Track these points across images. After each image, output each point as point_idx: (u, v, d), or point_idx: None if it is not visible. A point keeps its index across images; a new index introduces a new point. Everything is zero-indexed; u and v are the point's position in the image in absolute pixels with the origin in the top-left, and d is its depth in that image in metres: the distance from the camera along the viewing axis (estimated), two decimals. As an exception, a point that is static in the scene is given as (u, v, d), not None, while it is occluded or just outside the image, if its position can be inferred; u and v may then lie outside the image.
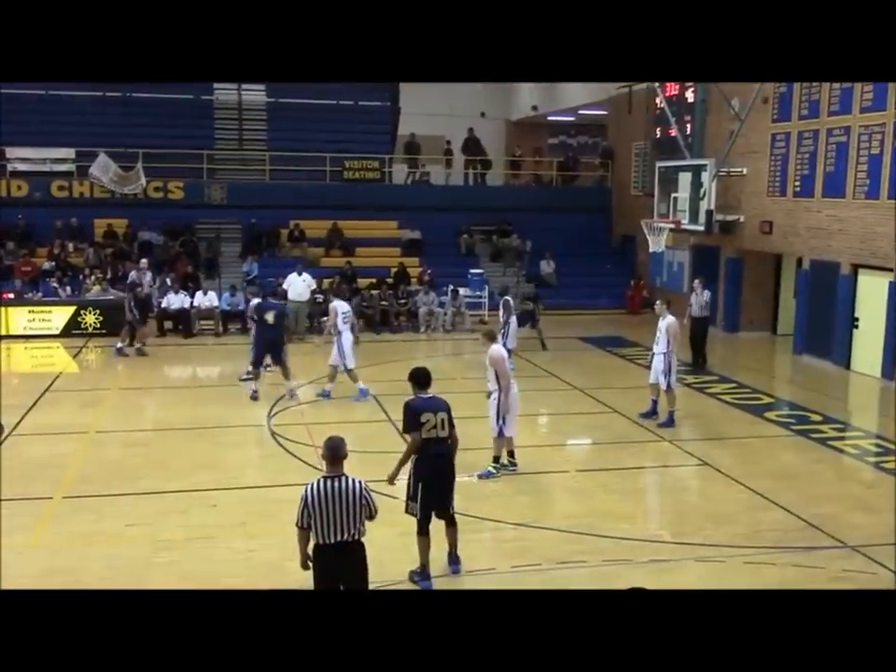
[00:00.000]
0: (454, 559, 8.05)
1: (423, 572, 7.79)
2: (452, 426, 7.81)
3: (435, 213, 25.94)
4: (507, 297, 16.76)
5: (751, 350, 19.93)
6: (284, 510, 9.46)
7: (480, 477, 10.47)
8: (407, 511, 7.84)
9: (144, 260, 19.68)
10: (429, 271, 23.55)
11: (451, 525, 8.00)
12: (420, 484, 7.70)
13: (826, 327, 17.91)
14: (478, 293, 23.40)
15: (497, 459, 10.82)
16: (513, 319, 16.55)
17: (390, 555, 8.42)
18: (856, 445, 12.67)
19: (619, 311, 24.41)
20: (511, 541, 8.88)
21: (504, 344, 14.44)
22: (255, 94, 28.63)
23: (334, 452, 6.11)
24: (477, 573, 7.91)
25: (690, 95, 22.00)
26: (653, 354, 13.20)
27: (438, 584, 7.79)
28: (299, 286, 20.32)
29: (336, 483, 6.03)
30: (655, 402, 13.27)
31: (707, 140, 21.63)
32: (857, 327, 17.36)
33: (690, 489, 11.04)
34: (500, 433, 10.70)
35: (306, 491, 6.06)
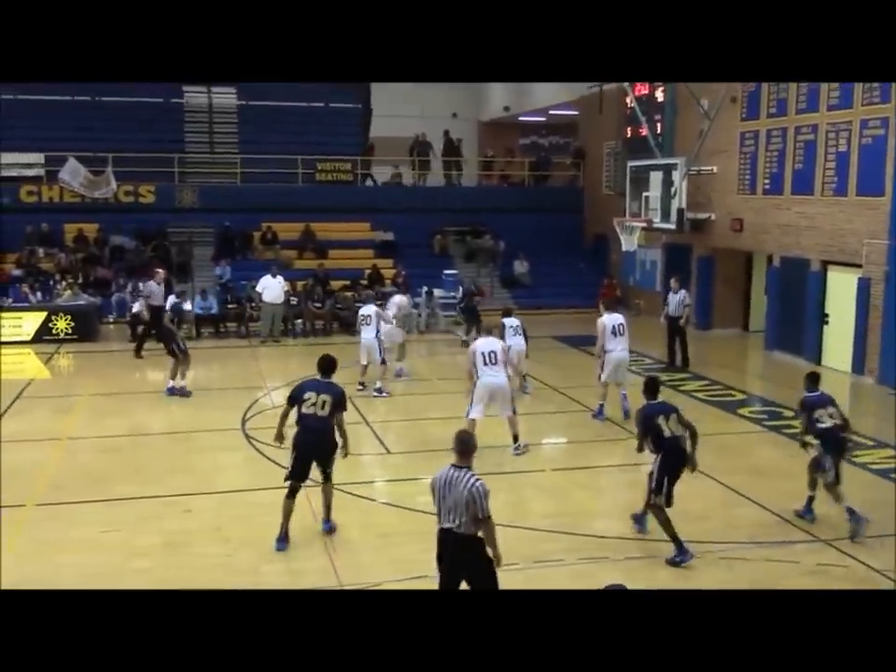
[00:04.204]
0: (326, 519, 8.89)
1: (283, 535, 8.55)
2: (335, 409, 8.56)
3: (408, 214, 25.92)
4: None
5: (724, 347, 20.09)
6: (259, 513, 9.44)
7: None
8: (286, 478, 8.66)
9: (160, 271, 18.66)
10: (403, 272, 23.55)
11: (326, 481, 8.80)
12: (294, 453, 8.58)
13: (797, 323, 18.09)
14: (452, 294, 23.42)
15: None
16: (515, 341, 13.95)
17: (370, 557, 8.42)
18: (827, 440, 12.79)
19: (592, 310, 24.48)
20: (488, 541, 8.88)
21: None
22: (225, 97, 28.45)
23: (463, 446, 6.44)
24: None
25: (660, 95, 22.15)
26: None
27: (419, 584, 7.77)
28: (274, 288, 20.24)
29: (457, 474, 6.30)
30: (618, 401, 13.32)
31: (677, 139, 21.79)
32: (827, 323, 17.55)
33: (665, 486, 11.09)
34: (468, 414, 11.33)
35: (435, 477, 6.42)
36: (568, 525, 9.25)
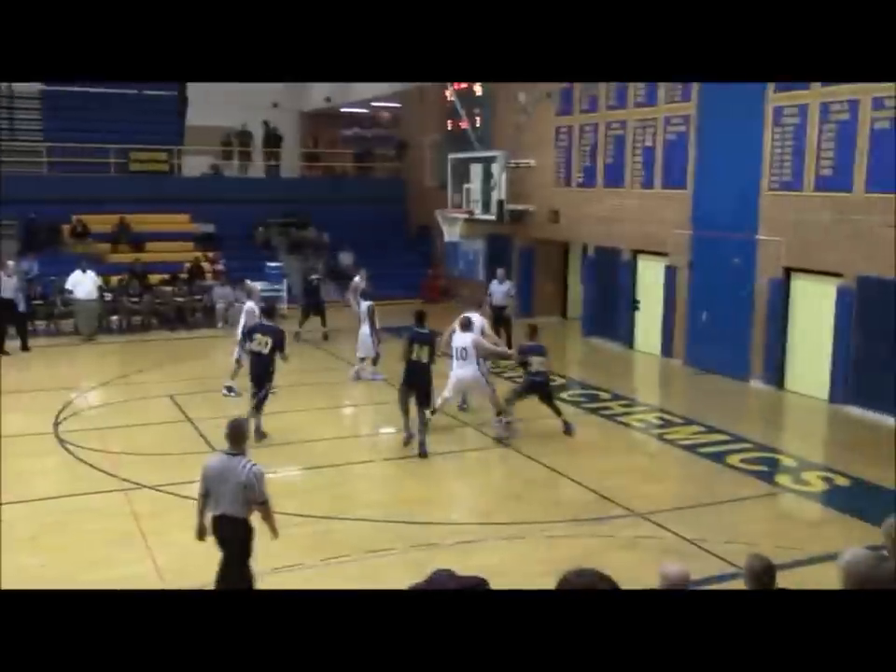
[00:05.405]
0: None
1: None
2: (276, 348, 11.41)
3: (229, 205, 25.30)
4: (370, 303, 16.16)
5: (544, 334, 20.62)
6: (77, 520, 9.01)
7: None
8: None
9: (11, 263, 18.35)
10: (222, 260, 23.02)
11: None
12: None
13: (610, 310, 18.98)
14: (276, 286, 23.07)
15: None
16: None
17: (197, 560, 8.19)
18: (641, 419, 13.52)
19: (416, 300, 24.73)
20: (319, 535, 8.85)
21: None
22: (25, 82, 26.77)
23: (236, 432, 6.62)
24: (284, 570, 7.81)
25: (478, 89, 22.60)
26: None
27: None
28: (87, 284, 19.29)
29: (232, 461, 6.51)
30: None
31: (496, 132, 22.32)
32: (638, 309, 18.51)
33: (491, 470, 11.41)
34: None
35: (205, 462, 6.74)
36: (401, 514, 9.34)
